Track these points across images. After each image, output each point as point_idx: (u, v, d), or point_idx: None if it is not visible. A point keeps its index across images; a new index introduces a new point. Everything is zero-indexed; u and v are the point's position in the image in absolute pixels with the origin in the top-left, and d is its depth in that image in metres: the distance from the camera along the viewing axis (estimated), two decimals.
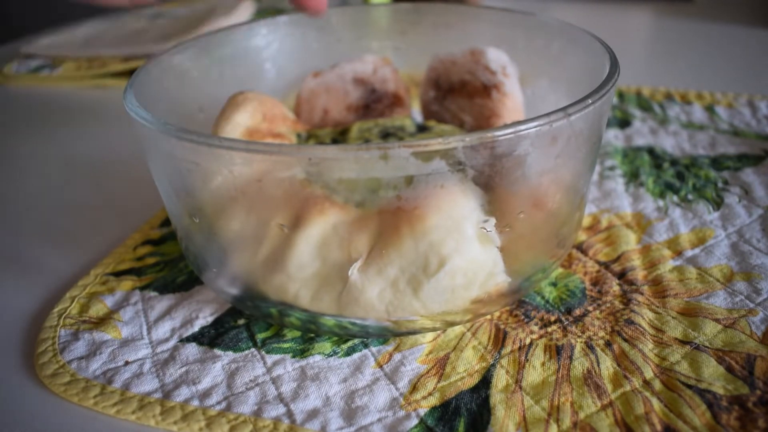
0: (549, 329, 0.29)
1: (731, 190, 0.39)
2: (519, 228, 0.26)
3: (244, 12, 0.75)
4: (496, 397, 0.25)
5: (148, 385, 0.27)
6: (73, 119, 0.56)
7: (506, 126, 0.22)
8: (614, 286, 0.31)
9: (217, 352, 0.28)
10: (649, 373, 0.26)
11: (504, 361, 0.27)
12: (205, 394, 0.26)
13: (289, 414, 0.25)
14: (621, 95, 0.53)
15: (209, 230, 0.27)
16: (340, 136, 0.35)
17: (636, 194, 0.39)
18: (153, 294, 0.32)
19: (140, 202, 0.41)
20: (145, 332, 0.30)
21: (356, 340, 0.29)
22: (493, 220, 0.25)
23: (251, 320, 0.30)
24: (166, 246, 0.36)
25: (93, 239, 0.38)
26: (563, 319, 0.29)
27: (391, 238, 0.24)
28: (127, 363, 0.28)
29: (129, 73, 0.65)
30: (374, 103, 0.39)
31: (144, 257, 0.35)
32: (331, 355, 0.28)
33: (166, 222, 0.39)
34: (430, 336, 0.29)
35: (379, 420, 0.25)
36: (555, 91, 0.37)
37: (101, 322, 0.30)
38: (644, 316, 0.29)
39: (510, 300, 0.28)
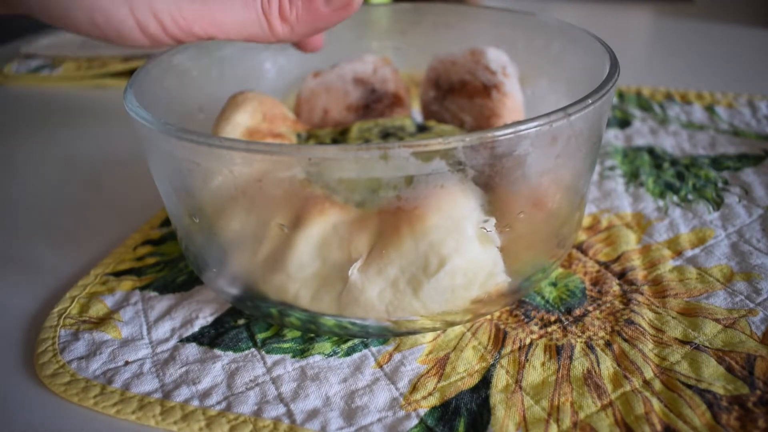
0: (549, 329, 0.29)
1: (731, 190, 0.39)
2: (519, 228, 0.26)
3: None
4: (496, 397, 0.25)
5: (148, 385, 0.27)
6: (73, 119, 0.56)
7: (506, 126, 0.22)
8: (614, 286, 0.31)
9: (217, 352, 0.28)
10: (649, 373, 0.26)
11: (504, 361, 0.27)
12: (205, 394, 0.26)
13: (289, 414, 0.25)
14: (621, 95, 0.54)
15: (209, 230, 0.27)
16: (340, 136, 0.35)
17: (636, 194, 0.39)
18: (153, 294, 0.32)
19: (140, 202, 0.41)
20: (145, 332, 0.30)
21: (356, 340, 0.29)
22: (493, 220, 0.25)
23: (251, 320, 0.30)
24: (166, 246, 0.36)
25: (93, 239, 0.38)
26: (563, 319, 0.29)
27: (391, 238, 0.24)
28: (127, 363, 0.28)
29: (129, 73, 0.65)
30: (374, 103, 0.39)
31: (144, 257, 0.35)
32: (331, 355, 0.28)
33: (166, 222, 0.39)
34: (430, 336, 0.29)
35: (379, 420, 0.25)
36: (555, 91, 0.37)
37: (101, 322, 0.30)
38: (644, 316, 0.29)
39: (510, 300, 0.28)
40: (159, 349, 0.29)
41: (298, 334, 0.29)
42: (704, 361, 0.26)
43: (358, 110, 0.39)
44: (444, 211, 0.24)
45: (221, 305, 0.31)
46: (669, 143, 0.45)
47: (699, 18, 0.77)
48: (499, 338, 0.28)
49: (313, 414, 0.25)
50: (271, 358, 0.28)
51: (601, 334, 0.28)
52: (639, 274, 0.32)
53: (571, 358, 0.27)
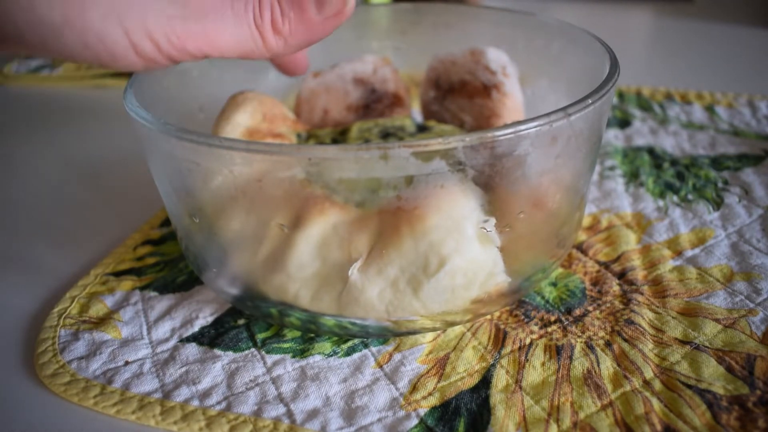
0: (549, 329, 0.29)
1: (731, 190, 0.39)
2: (519, 228, 0.26)
3: None
4: (496, 397, 0.25)
5: (148, 385, 0.27)
6: (73, 119, 0.56)
7: (506, 126, 0.22)
8: (614, 286, 0.31)
9: (217, 352, 0.28)
10: (649, 373, 0.26)
11: (504, 361, 0.27)
12: (205, 394, 0.26)
13: (289, 414, 0.25)
14: (621, 95, 0.54)
15: (209, 230, 0.27)
16: (340, 136, 0.35)
17: (636, 194, 0.39)
18: (153, 294, 0.32)
19: (140, 202, 0.41)
20: (145, 332, 0.30)
21: (356, 340, 0.29)
22: (493, 220, 0.25)
23: (251, 320, 0.30)
24: (166, 246, 0.36)
25: (93, 239, 0.38)
26: (563, 319, 0.29)
27: (391, 238, 0.24)
28: (127, 363, 0.28)
29: (129, 73, 0.65)
30: (374, 103, 0.39)
31: (144, 257, 0.35)
32: (331, 355, 0.28)
33: (166, 222, 0.39)
34: (430, 336, 0.29)
35: (379, 420, 0.25)
36: (555, 91, 0.37)
37: (101, 322, 0.30)
38: (644, 316, 0.29)
39: (510, 300, 0.28)
40: (159, 349, 0.29)
41: (298, 334, 0.29)
42: (704, 361, 0.26)
43: (358, 110, 0.39)
44: (444, 211, 0.24)
45: (221, 305, 0.31)
46: (669, 143, 0.45)
47: (699, 18, 0.77)
48: (499, 338, 0.28)
49: (313, 414, 0.25)
50: (271, 358, 0.28)
51: (601, 334, 0.28)
52: (639, 274, 0.32)
53: (571, 358, 0.27)
